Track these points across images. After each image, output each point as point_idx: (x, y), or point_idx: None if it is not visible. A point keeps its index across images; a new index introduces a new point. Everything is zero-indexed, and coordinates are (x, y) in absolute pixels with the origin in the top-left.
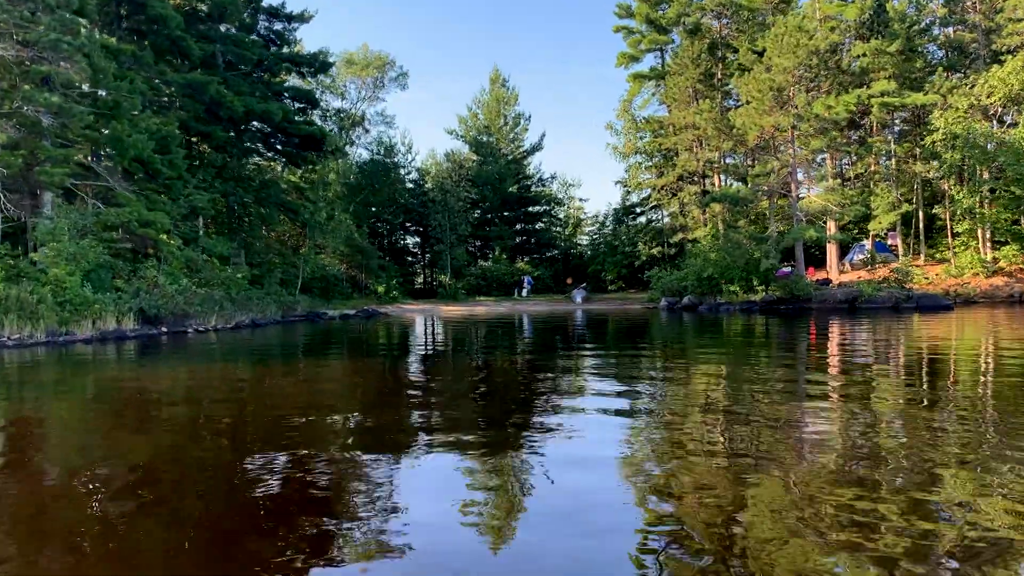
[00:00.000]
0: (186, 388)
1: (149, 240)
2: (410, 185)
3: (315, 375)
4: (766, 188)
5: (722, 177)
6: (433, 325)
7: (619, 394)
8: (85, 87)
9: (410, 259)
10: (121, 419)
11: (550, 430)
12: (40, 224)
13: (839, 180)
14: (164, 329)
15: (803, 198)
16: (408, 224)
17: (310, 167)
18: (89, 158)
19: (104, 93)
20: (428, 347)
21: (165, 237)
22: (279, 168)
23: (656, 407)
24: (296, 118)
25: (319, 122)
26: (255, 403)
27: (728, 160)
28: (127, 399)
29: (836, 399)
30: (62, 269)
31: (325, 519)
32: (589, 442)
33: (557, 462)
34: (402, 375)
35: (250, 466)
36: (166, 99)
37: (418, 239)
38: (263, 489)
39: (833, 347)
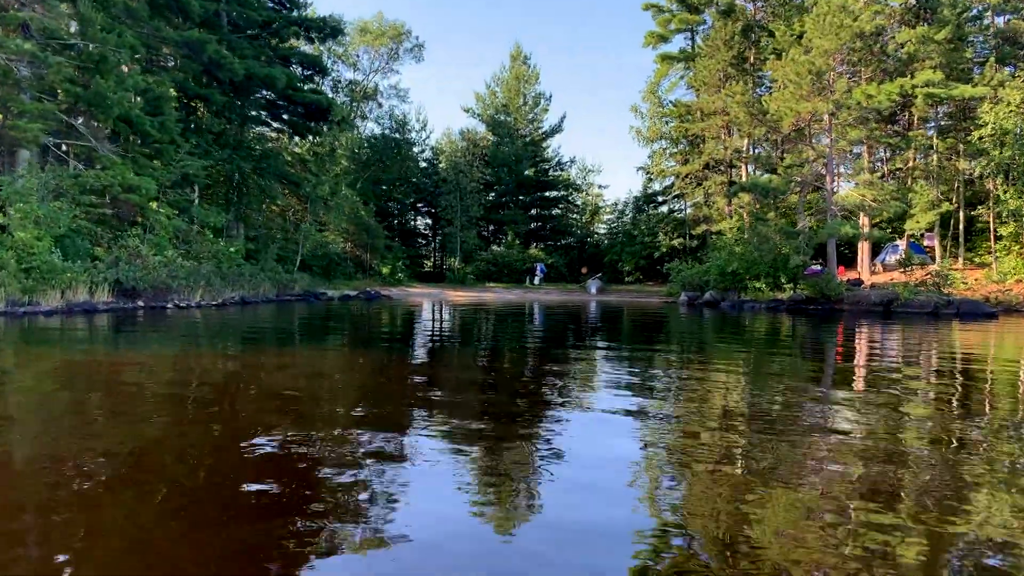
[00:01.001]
0: (156, 369)
1: (135, 207)
2: (423, 164)
3: (294, 363)
4: (799, 179)
5: (750, 168)
6: (437, 311)
7: (632, 395)
8: (74, 42)
9: (421, 241)
10: (81, 404)
11: (557, 432)
12: (6, 182)
13: (878, 174)
14: (140, 303)
15: (838, 192)
16: (420, 205)
17: (316, 138)
18: (76, 118)
19: (91, 46)
20: (428, 335)
21: (155, 205)
22: (284, 138)
23: (670, 410)
24: (302, 85)
25: (329, 93)
26: (228, 390)
27: (757, 151)
28: (82, 380)
29: (866, 410)
30: (29, 233)
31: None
32: (597, 444)
33: (563, 466)
34: (394, 367)
35: (227, 461)
36: (170, 58)
37: (429, 221)
38: (241, 487)
39: (868, 353)
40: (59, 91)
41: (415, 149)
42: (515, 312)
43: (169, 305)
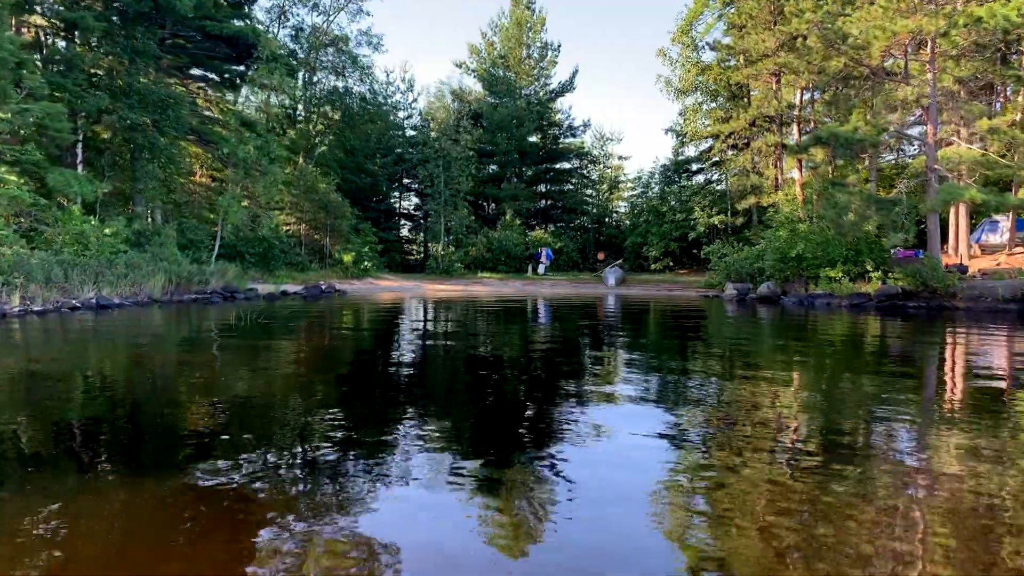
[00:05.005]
0: None
1: None
2: (412, 132)
3: None
4: (893, 129)
5: (806, 128)
6: (396, 315)
7: (662, 434)
8: None
9: (408, 224)
10: None
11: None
12: None
13: (1006, 119)
14: None
15: (947, 144)
16: (407, 181)
17: (246, 86)
18: None
19: None
20: (335, 366)
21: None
22: (209, 90)
23: (715, 469)
24: (231, 20)
25: (291, 44)
26: None
27: (810, 109)
28: None
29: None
30: None
31: None
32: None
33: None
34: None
35: None
36: None
37: (418, 200)
38: None
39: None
40: None
41: (401, 115)
42: (505, 312)
43: None
